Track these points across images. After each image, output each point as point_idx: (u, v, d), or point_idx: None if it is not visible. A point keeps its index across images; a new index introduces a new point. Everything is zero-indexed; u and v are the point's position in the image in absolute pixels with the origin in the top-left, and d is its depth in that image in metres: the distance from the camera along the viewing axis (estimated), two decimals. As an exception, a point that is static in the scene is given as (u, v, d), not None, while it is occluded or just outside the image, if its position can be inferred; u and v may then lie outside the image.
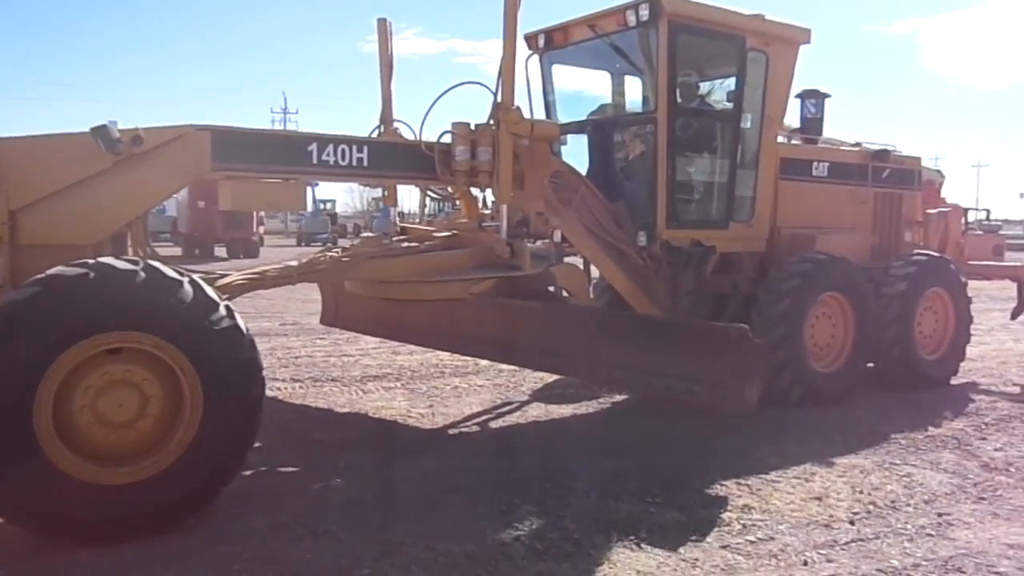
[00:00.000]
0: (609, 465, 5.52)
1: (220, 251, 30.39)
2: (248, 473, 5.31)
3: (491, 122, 5.93)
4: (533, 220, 6.38)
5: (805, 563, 4.07)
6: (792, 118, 8.46)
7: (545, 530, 4.39)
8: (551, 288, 6.30)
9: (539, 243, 7.54)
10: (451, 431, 6.48)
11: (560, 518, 4.57)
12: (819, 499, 4.96)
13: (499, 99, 5.85)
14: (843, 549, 4.27)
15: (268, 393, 7.54)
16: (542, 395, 7.59)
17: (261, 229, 33.35)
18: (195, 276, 4.49)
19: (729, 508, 4.78)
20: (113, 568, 3.87)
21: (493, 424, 6.70)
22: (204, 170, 5.34)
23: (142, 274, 4.21)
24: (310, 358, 9.40)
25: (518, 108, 5.87)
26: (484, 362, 8.37)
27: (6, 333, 3.91)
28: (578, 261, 7.65)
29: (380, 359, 9.33)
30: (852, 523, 4.62)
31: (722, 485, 5.16)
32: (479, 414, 6.96)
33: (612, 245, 7.11)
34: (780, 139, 7.93)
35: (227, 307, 4.45)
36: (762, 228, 7.66)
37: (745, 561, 4.08)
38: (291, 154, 5.63)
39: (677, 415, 6.78)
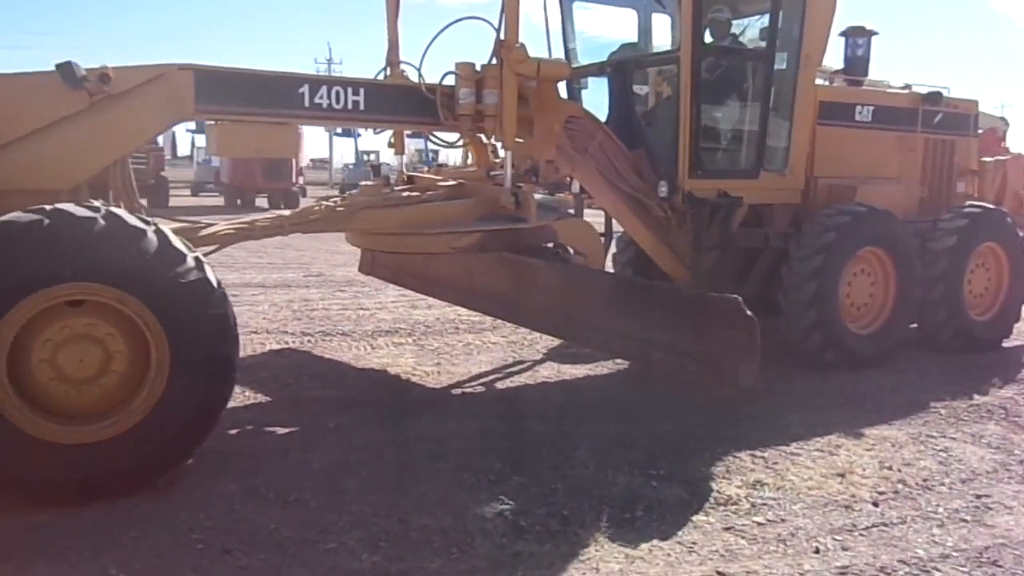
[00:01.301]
0: (615, 432, 5.14)
1: (262, 201, 30.35)
2: (233, 432, 5.11)
3: (494, 61, 5.47)
4: (543, 168, 5.93)
5: (816, 550, 3.67)
6: (835, 58, 7.82)
7: (533, 504, 4.04)
8: (562, 245, 5.86)
9: (569, 195, 7.12)
10: (454, 391, 6.15)
11: (552, 491, 4.22)
12: (842, 475, 4.52)
13: (502, 36, 5.38)
14: (862, 535, 3.84)
15: (275, 347, 7.36)
16: (556, 354, 7.21)
17: (301, 180, 33.20)
18: (162, 225, 4.18)
19: (739, 484, 4.37)
20: (69, 531, 3.65)
21: (499, 385, 6.35)
22: (187, 112, 5.01)
23: (101, 222, 3.92)
24: (326, 311, 9.14)
25: (522, 45, 5.39)
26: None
27: (-47, 283, 3.67)
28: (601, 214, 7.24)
29: (396, 313, 9.03)
30: (876, 504, 4.18)
31: (735, 457, 4.75)
32: (487, 373, 6.62)
33: (632, 196, 6.64)
34: (819, 81, 7.30)
35: (196, 259, 4.15)
36: (797, 178, 7.08)
37: (748, 546, 3.69)
38: (281, 96, 5.27)
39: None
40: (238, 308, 9.05)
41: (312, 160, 62.57)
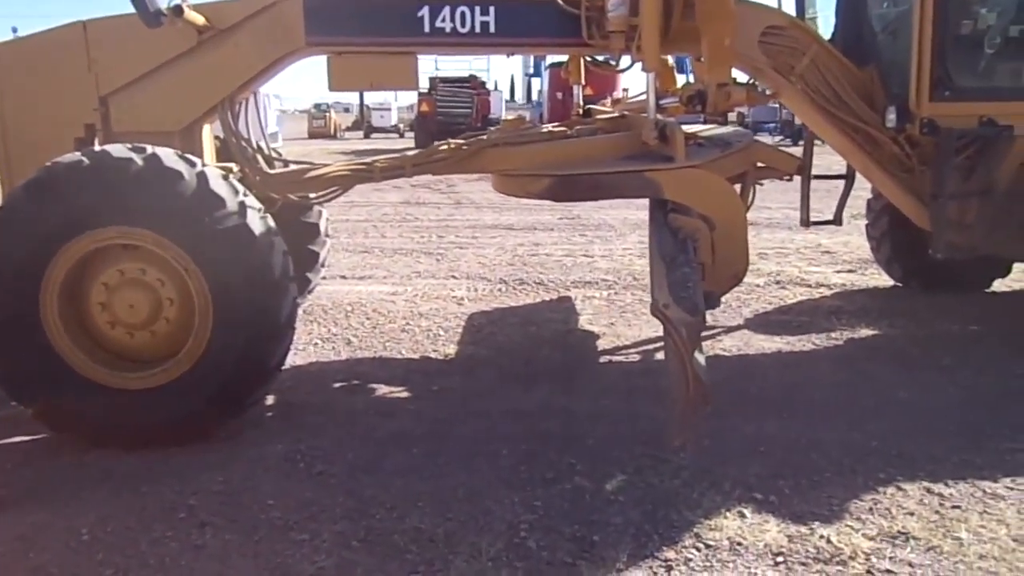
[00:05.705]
0: (755, 431, 4.00)
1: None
2: (337, 385, 4.87)
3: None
4: (712, 94, 4.75)
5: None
6: None
7: (567, 519, 3.19)
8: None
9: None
10: (603, 359, 5.31)
11: (607, 503, 3.32)
12: (1049, 542, 3.03)
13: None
14: (1025, 647, 2.48)
15: (460, 294, 7.00)
16: (760, 322, 5.97)
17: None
18: (209, 167, 3.92)
19: (872, 531, 3.08)
20: (81, 478, 3.64)
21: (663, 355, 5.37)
22: (296, 45, 4.71)
23: (139, 163, 3.77)
24: (546, 257, 8.61)
25: (663, -65, 4.26)
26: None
27: (5, 222, 3.76)
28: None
29: (618, 263, 8.21)
30: (1081, 599, 2.71)
31: (899, 488, 3.42)
32: (660, 339, 5.64)
33: (858, 128, 5.18)
34: None
35: (240, 204, 3.85)
36: (1118, 98, 5.01)
37: (811, 636, 2.54)
38: (398, 22, 4.75)
39: (932, 360, 4.91)
40: (466, 251, 9.06)
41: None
